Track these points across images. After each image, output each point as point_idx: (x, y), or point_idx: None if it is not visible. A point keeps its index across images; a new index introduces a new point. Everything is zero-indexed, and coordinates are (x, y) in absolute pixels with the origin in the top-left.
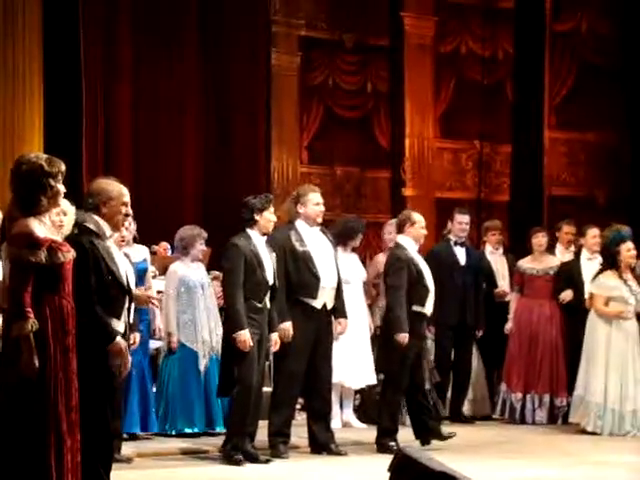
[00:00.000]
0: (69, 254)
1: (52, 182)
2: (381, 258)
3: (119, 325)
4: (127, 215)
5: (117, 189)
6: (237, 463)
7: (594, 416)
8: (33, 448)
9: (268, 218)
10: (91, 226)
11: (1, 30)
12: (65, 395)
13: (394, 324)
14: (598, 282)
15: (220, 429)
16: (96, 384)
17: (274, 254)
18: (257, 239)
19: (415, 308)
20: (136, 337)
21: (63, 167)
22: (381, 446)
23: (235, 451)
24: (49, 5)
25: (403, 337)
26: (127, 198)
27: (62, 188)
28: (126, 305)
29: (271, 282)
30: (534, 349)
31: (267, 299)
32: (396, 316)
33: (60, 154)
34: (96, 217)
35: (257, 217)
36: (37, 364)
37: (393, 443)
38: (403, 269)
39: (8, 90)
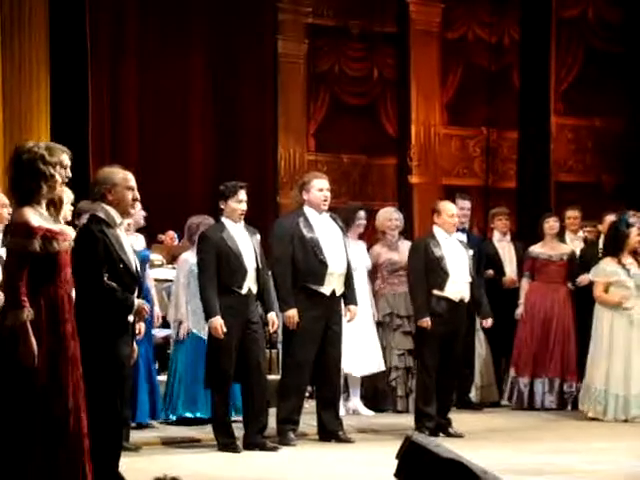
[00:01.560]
0: (65, 243)
1: (52, 171)
2: (378, 249)
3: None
4: (135, 200)
5: (121, 175)
6: (235, 450)
7: (594, 402)
8: (22, 439)
9: (232, 207)
10: (101, 215)
11: (7, 19)
12: (60, 383)
13: (415, 311)
14: (597, 269)
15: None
16: (105, 373)
17: (258, 236)
18: (231, 226)
19: (435, 292)
20: (142, 327)
21: (63, 155)
22: (419, 430)
23: (229, 439)
24: None
25: (423, 322)
26: (132, 183)
27: (59, 177)
28: (136, 293)
29: (252, 267)
30: (546, 333)
31: (251, 284)
32: (414, 302)
33: (67, 142)
34: (105, 205)
35: (222, 205)
36: (36, 352)
37: (431, 424)
38: (416, 255)
39: (14, 78)
